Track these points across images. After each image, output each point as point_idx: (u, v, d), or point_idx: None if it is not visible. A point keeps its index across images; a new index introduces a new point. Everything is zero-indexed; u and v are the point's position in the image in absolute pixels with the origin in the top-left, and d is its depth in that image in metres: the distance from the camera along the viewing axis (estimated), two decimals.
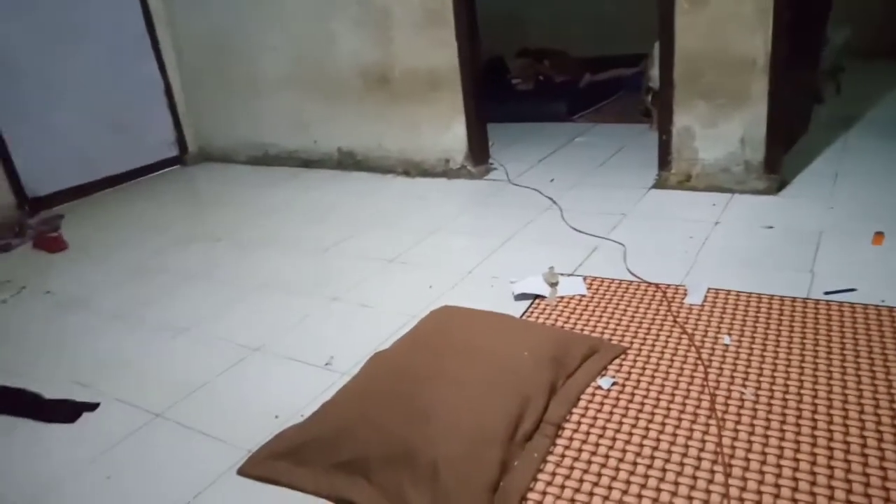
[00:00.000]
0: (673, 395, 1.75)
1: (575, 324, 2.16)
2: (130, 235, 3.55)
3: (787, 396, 1.69)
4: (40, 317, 2.70)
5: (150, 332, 2.45)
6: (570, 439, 1.63)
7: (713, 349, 1.93)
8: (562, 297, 2.33)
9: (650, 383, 1.81)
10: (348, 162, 4.32)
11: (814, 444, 1.52)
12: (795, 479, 1.43)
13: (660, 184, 3.33)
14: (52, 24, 4.11)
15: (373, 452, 1.53)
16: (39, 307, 2.79)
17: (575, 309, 2.25)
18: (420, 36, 3.71)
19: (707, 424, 1.63)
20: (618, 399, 1.76)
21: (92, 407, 1.99)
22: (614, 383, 1.82)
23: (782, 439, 1.55)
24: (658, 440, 1.59)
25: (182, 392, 2.03)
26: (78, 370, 2.22)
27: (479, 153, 3.89)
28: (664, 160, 3.29)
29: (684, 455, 1.54)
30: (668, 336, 2.03)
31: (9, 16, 3.91)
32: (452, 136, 3.85)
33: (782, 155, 3.09)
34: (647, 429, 1.64)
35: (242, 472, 1.64)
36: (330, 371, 2.04)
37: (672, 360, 1.90)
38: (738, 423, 1.62)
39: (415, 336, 2.01)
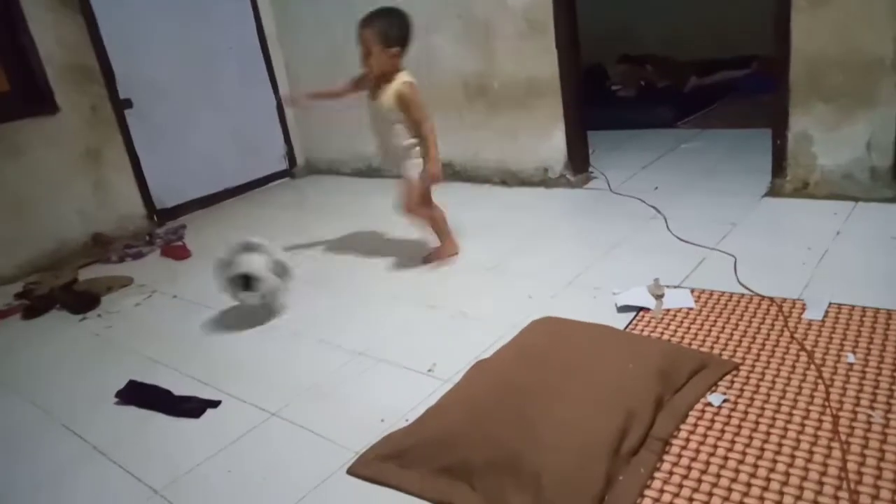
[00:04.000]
0: (790, 414, 1.66)
1: (682, 337, 2.09)
2: None
3: None
4: (167, 319, 2.94)
5: (263, 335, 2.61)
6: (679, 456, 1.58)
7: (835, 368, 1.82)
8: (668, 310, 2.26)
9: (765, 401, 1.72)
10: (446, 172, 4.37)
11: None
12: None
13: (774, 192, 3.16)
14: (189, 47, 4.47)
15: (476, 458, 1.56)
16: (167, 310, 3.03)
17: (682, 322, 2.18)
18: (520, 46, 3.73)
19: (829, 447, 1.53)
20: (729, 417, 1.69)
21: (215, 404, 2.14)
22: (725, 400, 1.75)
23: None
24: (775, 461, 1.52)
25: (294, 393, 2.15)
26: (200, 369, 2.40)
27: (578, 162, 3.85)
28: (779, 166, 3.12)
29: (804, 479, 1.46)
30: (785, 352, 1.92)
31: (162, 40, 4.30)
32: (552, 145, 3.84)
33: None
34: (761, 448, 1.56)
35: (352, 471, 1.71)
36: (432, 378, 2.09)
37: (789, 378, 1.80)
38: (864, 447, 1.51)
39: (516, 346, 2.03)
